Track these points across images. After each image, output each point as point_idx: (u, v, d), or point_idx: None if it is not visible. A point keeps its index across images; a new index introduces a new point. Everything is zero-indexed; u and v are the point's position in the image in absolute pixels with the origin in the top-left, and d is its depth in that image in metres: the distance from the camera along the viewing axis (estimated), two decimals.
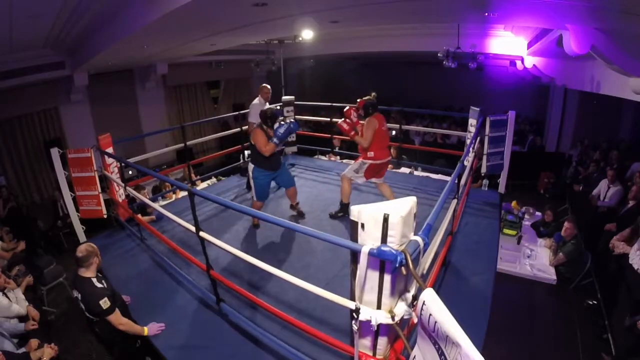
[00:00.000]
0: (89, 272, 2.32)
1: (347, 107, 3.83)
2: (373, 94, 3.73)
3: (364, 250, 1.45)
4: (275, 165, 3.68)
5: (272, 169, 3.65)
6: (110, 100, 7.55)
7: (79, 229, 3.64)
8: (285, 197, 4.59)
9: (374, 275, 1.53)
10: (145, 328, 2.41)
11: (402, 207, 1.51)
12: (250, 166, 3.62)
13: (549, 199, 6.93)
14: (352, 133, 3.69)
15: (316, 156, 6.59)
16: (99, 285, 2.31)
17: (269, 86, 4.82)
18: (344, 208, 3.89)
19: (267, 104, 4.75)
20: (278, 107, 3.77)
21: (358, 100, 3.72)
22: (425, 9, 4.03)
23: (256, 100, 4.72)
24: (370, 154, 3.64)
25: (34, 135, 6.64)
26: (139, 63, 7.52)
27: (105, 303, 2.24)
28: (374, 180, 3.82)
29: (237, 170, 5.54)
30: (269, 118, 3.51)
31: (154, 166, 7.68)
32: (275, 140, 3.42)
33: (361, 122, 3.75)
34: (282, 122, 3.50)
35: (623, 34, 3.31)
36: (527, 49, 6.49)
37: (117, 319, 2.31)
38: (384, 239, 1.46)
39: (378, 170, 3.74)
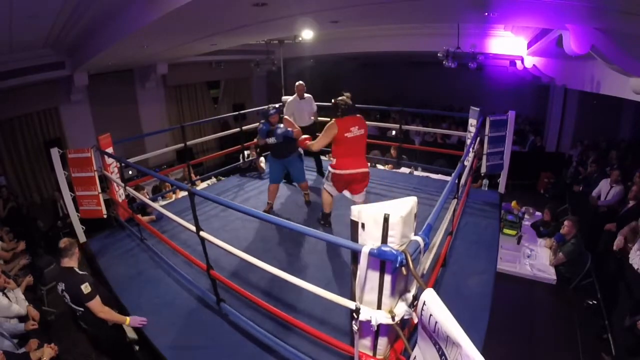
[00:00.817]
0: (71, 262, 2.45)
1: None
2: (346, 94, 3.28)
3: (365, 251, 1.45)
4: (278, 154, 3.95)
5: (275, 156, 3.98)
6: (110, 100, 7.55)
7: (79, 229, 3.64)
8: (285, 197, 4.62)
9: (374, 276, 1.53)
10: (128, 318, 2.48)
11: (402, 207, 1.51)
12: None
13: (549, 199, 6.92)
14: (303, 140, 3.49)
15: None
16: (81, 272, 2.43)
17: (302, 82, 4.88)
18: (325, 217, 3.66)
19: (302, 100, 4.87)
20: (275, 106, 3.91)
21: (332, 100, 3.32)
22: (425, 9, 4.03)
23: (290, 98, 4.92)
24: (333, 160, 3.23)
25: (34, 135, 6.64)
26: (139, 63, 7.52)
27: (86, 288, 2.33)
28: (347, 195, 3.38)
29: (237, 171, 5.54)
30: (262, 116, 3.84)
31: (154, 166, 7.68)
32: (258, 135, 3.84)
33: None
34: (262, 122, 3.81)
35: (623, 34, 3.31)
36: (527, 49, 6.50)
37: (98, 305, 2.39)
38: (384, 239, 1.46)
39: (345, 182, 3.25)
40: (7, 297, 3.18)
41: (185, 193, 3.21)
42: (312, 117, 4.97)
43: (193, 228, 2.38)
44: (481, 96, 10.35)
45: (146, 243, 3.46)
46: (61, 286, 2.42)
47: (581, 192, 6.39)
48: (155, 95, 8.63)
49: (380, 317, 1.54)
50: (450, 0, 3.59)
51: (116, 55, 5.34)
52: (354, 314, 1.57)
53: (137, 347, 2.81)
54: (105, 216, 3.78)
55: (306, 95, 4.92)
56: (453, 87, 11.32)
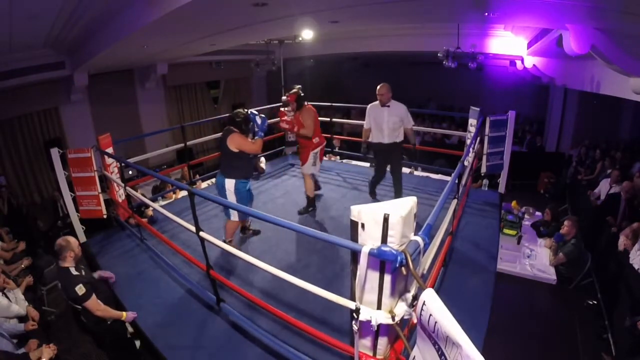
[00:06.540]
0: (66, 263, 2.47)
1: (280, 110, 4.12)
2: (298, 86, 3.97)
3: (364, 251, 1.44)
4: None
5: (251, 175, 3.41)
6: (110, 100, 7.55)
7: (79, 229, 3.64)
8: (283, 197, 4.60)
9: (374, 276, 1.53)
10: (124, 313, 2.54)
11: (402, 207, 1.51)
12: (230, 182, 3.09)
13: (549, 199, 6.92)
14: (296, 129, 3.86)
15: None
16: (75, 273, 2.46)
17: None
18: (311, 202, 4.13)
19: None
20: (250, 111, 3.26)
21: (287, 94, 3.94)
22: (425, 9, 4.03)
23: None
24: (316, 139, 3.92)
25: (34, 135, 6.64)
26: (139, 63, 7.52)
27: (80, 289, 2.37)
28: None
29: None
30: (243, 122, 3.15)
31: (154, 166, 7.68)
32: (261, 134, 3.17)
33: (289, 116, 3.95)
34: (256, 114, 3.19)
35: (623, 34, 3.31)
36: (527, 48, 6.49)
37: (94, 304, 2.43)
38: (384, 239, 1.46)
39: (322, 153, 4.08)
40: (6, 297, 3.18)
41: (185, 193, 3.21)
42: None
43: (193, 228, 2.38)
44: (481, 96, 10.35)
45: (146, 243, 3.46)
46: (59, 284, 2.48)
47: (582, 191, 6.39)
48: (155, 95, 8.62)
49: (380, 317, 1.54)
50: (450, 0, 3.59)
51: (116, 55, 5.34)
52: (354, 314, 1.57)
53: (138, 342, 2.82)
54: (105, 216, 3.77)
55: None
56: (453, 87, 11.31)
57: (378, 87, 3.84)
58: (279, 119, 5.13)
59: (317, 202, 4.33)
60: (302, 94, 3.89)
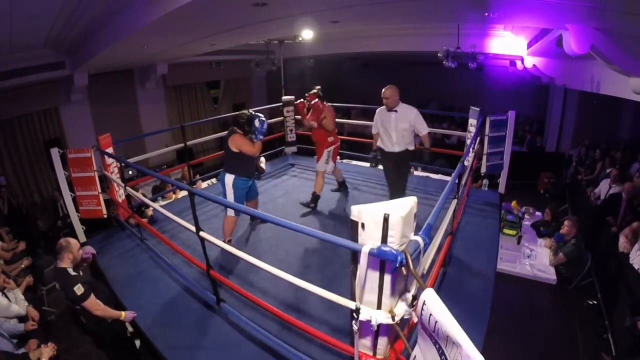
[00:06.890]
0: (64, 263, 2.46)
1: (299, 101, 4.37)
2: (318, 87, 4.15)
3: (364, 250, 1.45)
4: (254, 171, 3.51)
5: (252, 174, 3.45)
6: (110, 100, 7.55)
7: (79, 229, 3.64)
8: (283, 197, 4.60)
9: (374, 275, 1.53)
10: (123, 313, 2.53)
11: (402, 207, 1.51)
12: (230, 177, 3.23)
13: (549, 199, 6.92)
14: (322, 116, 3.97)
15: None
16: (73, 273, 2.45)
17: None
18: (315, 199, 4.15)
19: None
20: (252, 112, 3.31)
21: (306, 94, 4.15)
22: (426, 9, 4.03)
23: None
24: (331, 138, 4.08)
25: (34, 135, 6.64)
26: (139, 63, 7.52)
27: (79, 289, 2.36)
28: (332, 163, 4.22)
29: None
30: (246, 123, 3.22)
31: (154, 166, 7.68)
32: (260, 137, 3.21)
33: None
34: (258, 117, 3.21)
35: (623, 34, 3.31)
36: (527, 49, 6.50)
37: (93, 304, 2.42)
38: (384, 239, 1.46)
39: (336, 152, 4.24)
40: (6, 297, 3.18)
41: (185, 193, 3.21)
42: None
43: (193, 228, 2.38)
44: (481, 96, 10.35)
45: (146, 243, 3.46)
46: (57, 285, 2.48)
47: (582, 191, 6.40)
48: (155, 95, 8.62)
49: (380, 317, 1.54)
50: (450, 0, 3.59)
51: (116, 55, 5.34)
52: (354, 314, 1.57)
53: (137, 342, 2.82)
54: (105, 216, 3.77)
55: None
56: (453, 87, 11.31)
57: (383, 89, 3.49)
58: (281, 118, 5.20)
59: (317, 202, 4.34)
60: (322, 94, 4.10)
